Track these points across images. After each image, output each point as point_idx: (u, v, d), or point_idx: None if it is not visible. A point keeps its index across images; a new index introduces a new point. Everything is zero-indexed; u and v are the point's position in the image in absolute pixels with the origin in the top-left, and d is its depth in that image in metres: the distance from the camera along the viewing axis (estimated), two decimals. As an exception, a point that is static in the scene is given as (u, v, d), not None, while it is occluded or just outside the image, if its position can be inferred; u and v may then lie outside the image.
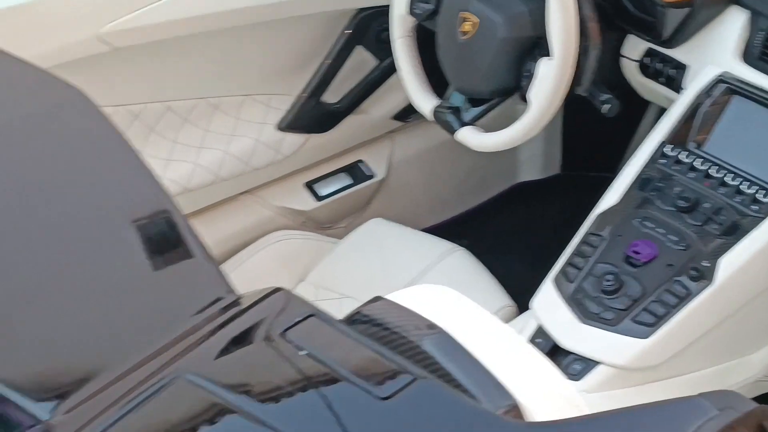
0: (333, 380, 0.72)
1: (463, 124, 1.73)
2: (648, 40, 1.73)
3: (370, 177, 2.15)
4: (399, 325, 0.82)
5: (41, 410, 0.74)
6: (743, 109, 1.59)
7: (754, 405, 0.77)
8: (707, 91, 1.60)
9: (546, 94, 1.58)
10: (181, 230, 0.88)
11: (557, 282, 1.53)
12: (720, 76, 1.60)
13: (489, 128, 1.73)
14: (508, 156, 2.22)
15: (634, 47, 1.77)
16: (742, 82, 1.59)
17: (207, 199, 1.96)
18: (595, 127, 1.93)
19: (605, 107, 1.64)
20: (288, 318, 0.76)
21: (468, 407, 0.73)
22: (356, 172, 2.14)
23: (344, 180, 2.13)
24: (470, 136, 1.72)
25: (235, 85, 1.93)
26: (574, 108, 1.80)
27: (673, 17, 1.65)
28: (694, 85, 1.63)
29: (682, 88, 1.67)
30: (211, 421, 0.71)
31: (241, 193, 2.02)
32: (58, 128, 0.92)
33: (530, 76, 1.60)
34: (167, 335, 0.79)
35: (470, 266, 1.85)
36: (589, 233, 1.56)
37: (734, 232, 1.49)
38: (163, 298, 0.84)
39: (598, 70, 1.62)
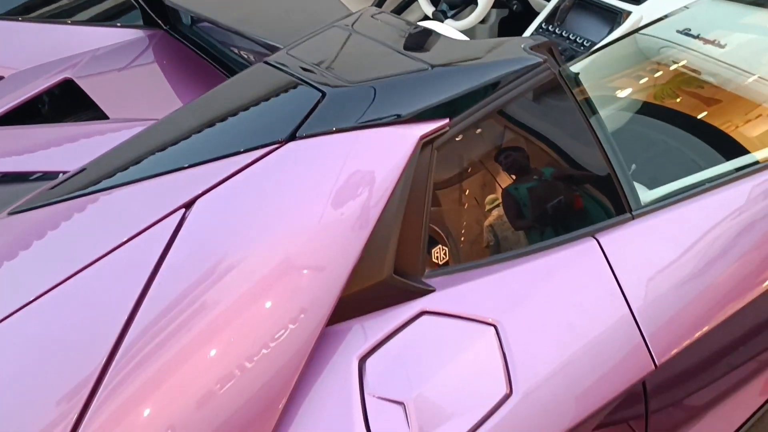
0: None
1: (447, 17, 3.56)
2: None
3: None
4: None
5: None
6: (582, 9, 3.42)
7: (547, 39, 2.45)
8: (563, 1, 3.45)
9: (487, -3, 3.43)
10: None
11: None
12: (570, -7, 3.44)
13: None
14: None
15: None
16: (580, -4, 3.43)
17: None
18: (512, 29, 3.76)
19: (514, 6, 3.49)
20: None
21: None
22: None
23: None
24: (452, 24, 3.55)
25: None
26: (504, 25, 3.64)
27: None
28: (557, -2, 3.47)
29: (552, -1, 3.52)
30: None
31: None
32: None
33: (480, -10, 3.45)
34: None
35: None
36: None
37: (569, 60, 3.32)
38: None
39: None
